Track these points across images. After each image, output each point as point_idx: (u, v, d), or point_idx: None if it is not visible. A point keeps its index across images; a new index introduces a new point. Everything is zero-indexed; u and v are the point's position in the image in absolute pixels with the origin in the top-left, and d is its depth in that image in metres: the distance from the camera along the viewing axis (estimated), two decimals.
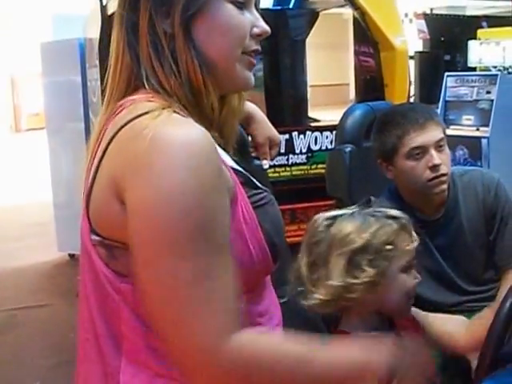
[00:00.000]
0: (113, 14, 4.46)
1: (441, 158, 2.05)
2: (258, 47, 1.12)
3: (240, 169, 1.15)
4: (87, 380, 1.13)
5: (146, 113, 1.00)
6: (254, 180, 1.16)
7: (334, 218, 1.54)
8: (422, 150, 2.04)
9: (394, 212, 1.57)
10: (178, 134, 0.97)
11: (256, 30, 1.11)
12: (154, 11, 1.05)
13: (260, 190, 1.15)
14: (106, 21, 4.56)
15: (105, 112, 1.11)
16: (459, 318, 1.79)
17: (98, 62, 4.74)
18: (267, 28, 1.12)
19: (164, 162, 0.95)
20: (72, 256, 5.97)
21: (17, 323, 4.62)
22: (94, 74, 4.99)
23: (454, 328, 1.72)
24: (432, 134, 2.04)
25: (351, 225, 1.51)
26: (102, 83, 4.47)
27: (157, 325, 1.00)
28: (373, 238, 1.49)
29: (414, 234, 1.55)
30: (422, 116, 2.05)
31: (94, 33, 4.82)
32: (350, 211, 1.56)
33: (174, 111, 1.02)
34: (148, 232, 0.96)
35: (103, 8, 4.58)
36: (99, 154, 1.04)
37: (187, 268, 0.96)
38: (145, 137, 0.95)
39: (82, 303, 1.11)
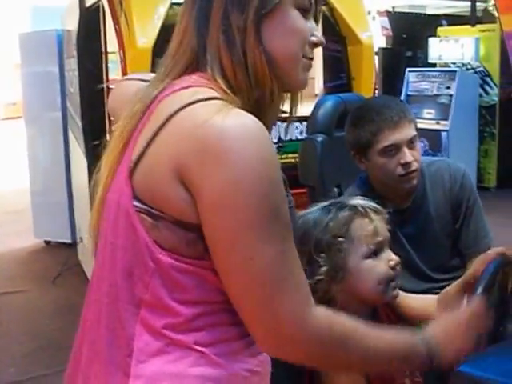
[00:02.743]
0: (91, 6, 4.41)
1: (413, 155, 2.05)
2: (313, 55, 1.17)
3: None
4: (96, 346, 1.09)
5: (207, 99, 1.01)
6: (287, 182, 1.17)
7: (300, 216, 1.52)
8: (394, 148, 2.04)
9: (353, 200, 1.54)
10: (244, 124, 1.00)
11: (314, 39, 1.15)
12: (231, 5, 1.08)
13: (289, 193, 1.16)
14: (84, 13, 4.48)
15: (157, 87, 1.11)
16: (432, 297, 1.74)
17: (75, 53, 4.68)
18: (323, 39, 1.17)
19: (238, 151, 0.97)
20: (48, 243, 5.93)
21: None
22: (71, 64, 4.94)
23: (430, 306, 1.68)
24: (405, 132, 2.04)
25: (308, 222, 1.49)
26: (80, 74, 4.38)
27: (244, 306, 1.03)
28: (323, 233, 1.46)
29: (371, 214, 1.48)
30: (397, 114, 2.04)
31: (72, 24, 4.76)
32: (314, 207, 1.53)
33: (234, 106, 1.03)
34: (230, 219, 0.98)
35: (81, 0, 4.50)
36: (152, 127, 1.03)
37: (269, 250, 1.00)
38: (214, 126, 0.97)
39: (103, 267, 1.10)
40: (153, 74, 1.26)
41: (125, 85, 1.41)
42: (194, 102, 1.01)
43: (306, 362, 1.13)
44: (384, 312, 1.58)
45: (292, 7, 1.12)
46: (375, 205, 1.53)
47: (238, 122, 0.99)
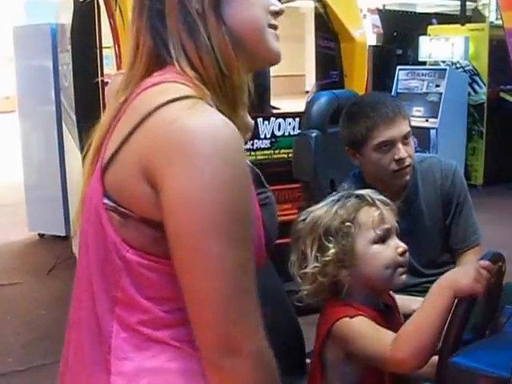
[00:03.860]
0: (84, 0, 4.36)
1: (406, 151, 2.06)
2: (277, 23, 1.13)
3: (252, 166, 1.12)
4: (79, 344, 1.08)
5: (178, 99, 0.98)
6: (263, 179, 1.14)
7: (308, 212, 1.54)
8: (389, 143, 2.05)
9: (360, 191, 1.57)
10: (214, 125, 0.96)
11: (274, 8, 1.12)
12: None
13: (266, 189, 1.14)
14: (79, 6, 4.46)
15: (123, 91, 1.09)
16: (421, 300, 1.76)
17: (69, 47, 4.65)
18: (283, 6, 1.14)
19: (205, 154, 0.93)
20: (42, 235, 5.90)
21: None
22: (65, 58, 4.91)
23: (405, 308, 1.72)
24: (400, 128, 2.05)
25: (319, 212, 1.52)
26: (74, 68, 4.36)
27: (196, 309, 0.98)
28: (333, 219, 1.49)
29: (378, 204, 1.51)
30: (392, 110, 2.05)
31: (66, 18, 4.74)
32: (322, 203, 1.56)
33: (205, 102, 1.00)
34: (194, 220, 0.94)
35: None
36: (125, 127, 1.01)
37: (233, 256, 0.96)
38: (180, 126, 0.94)
39: (81, 261, 1.09)
40: None
41: (113, 83, 1.40)
42: (165, 103, 0.98)
43: (242, 379, 1.01)
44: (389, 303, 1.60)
45: None
46: (382, 197, 1.55)
47: (207, 122, 0.96)
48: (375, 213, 1.49)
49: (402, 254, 1.50)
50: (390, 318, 1.54)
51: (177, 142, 0.94)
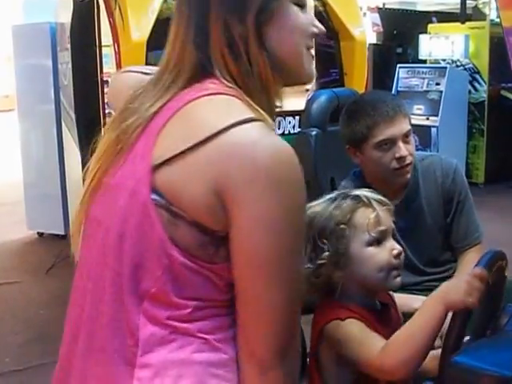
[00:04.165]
0: None
1: (407, 149, 2.05)
2: (313, 44, 1.19)
3: None
4: (96, 338, 1.09)
5: (248, 121, 1.03)
6: None
7: (308, 208, 1.51)
8: (390, 142, 2.04)
9: (358, 191, 1.55)
10: (286, 149, 1.03)
11: (314, 30, 1.17)
12: (229, 16, 1.09)
13: None
14: (78, 5, 4.46)
15: (161, 97, 1.12)
16: (422, 299, 1.75)
17: (69, 46, 4.65)
18: (323, 28, 1.19)
19: (288, 177, 1.02)
20: (41, 234, 5.89)
21: None
22: (65, 57, 4.92)
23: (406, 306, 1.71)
24: (400, 126, 2.04)
25: (314, 211, 1.51)
26: (73, 66, 4.36)
27: (260, 317, 1.05)
28: (328, 220, 1.48)
29: (375, 204, 1.49)
30: (392, 108, 2.04)
31: (65, 17, 4.73)
32: (321, 199, 1.55)
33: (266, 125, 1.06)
34: (273, 239, 1.02)
35: None
36: (186, 136, 1.04)
37: (296, 268, 1.07)
38: (260, 150, 1.01)
39: (105, 254, 1.09)
40: (154, 68, 1.27)
41: (125, 77, 1.40)
42: (237, 124, 1.03)
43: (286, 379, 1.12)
44: (390, 302, 1.59)
45: (290, 4, 1.13)
46: (380, 196, 1.54)
47: (281, 147, 1.03)
48: (371, 215, 1.47)
49: (397, 256, 1.48)
50: (387, 317, 1.53)
51: (260, 164, 1.00)
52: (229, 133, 1.02)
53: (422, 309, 1.38)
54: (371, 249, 1.47)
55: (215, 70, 1.10)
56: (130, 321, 1.05)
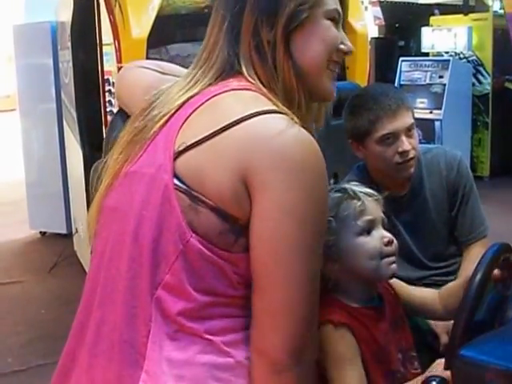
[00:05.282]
0: None
1: (410, 143, 2.03)
2: (339, 61, 1.23)
3: None
4: (107, 324, 1.09)
5: (274, 111, 1.07)
6: None
7: None
8: (392, 136, 2.02)
9: (345, 184, 1.57)
10: (311, 141, 1.06)
11: (343, 47, 1.21)
12: (260, 21, 1.14)
13: None
14: (78, 4, 4.46)
15: (189, 89, 1.16)
16: (431, 290, 1.75)
17: (70, 45, 4.66)
18: (352, 47, 1.23)
19: (313, 166, 1.04)
20: (44, 233, 5.91)
21: None
22: (66, 55, 4.93)
23: (430, 298, 1.68)
24: (403, 120, 2.02)
25: None
26: (74, 65, 4.35)
27: (276, 315, 1.05)
28: None
29: (361, 195, 1.50)
30: (395, 102, 2.02)
31: (66, 16, 4.74)
32: None
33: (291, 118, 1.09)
34: (296, 225, 1.03)
35: None
36: (210, 123, 1.07)
37: (316, 264, 1.08)
38: (292, 138, 1.04)
39: (122, 237, 1.10)
40: (165, 63, 1.32)
41: (139, 73, 1.41)
42: (261, 113, 1.06)
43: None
44: (387, 295, 1.58)
45: (323, 18, 1.18)
46: (367, 189, 1.54)
47: (308, 137, 1.06)
48: (356, 204, 1.48)
49: (388, 243, 1.48)
50: (384, 312, 1.53)
51: (287, 152, 1.03)
52: (254, 119, 1.05)
53: None
54: (361, 238, 1.47)
55: (243, 69, 1.14)
56: (144, 310, 1.05)
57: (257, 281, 1.05)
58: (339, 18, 1.21)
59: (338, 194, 1.50)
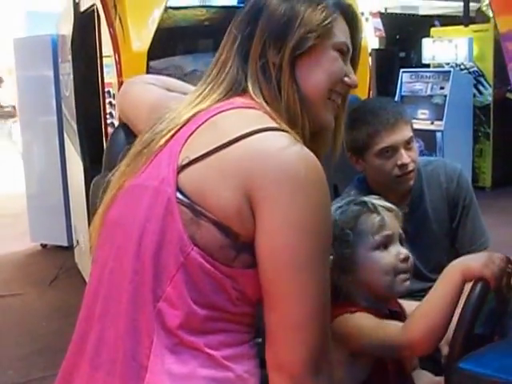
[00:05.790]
0: (85, 10, 4.40)
1: (409, 156, 2.04)
2: (342, 93, 1.25)
3: None
4: (109, 337, 1.10)
5: (276, 129, 1.09)
6: None
7: None
8: (391, 149, 2.03)
9: (365, 198, 1.56)
10: (312, 157, 1.08)
11: (348, 80, 1.24)
12: (268, 44, 1.17)
13: None
14: (79, 17, 4.49)
15: (197, 103, 1.19)
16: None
17: (70, 58, 4.68)
18: (356, 81, 1.25)
19: (316, 182, 1.07)
20: (44, 246, 5.91)
21: None
22: (66, 68, 4.94)
23: None
24: (402, 134, 2.03)
25: None
26: (75, 77, 4.37)
27: (284, 323, 1.06)
28: (333, 226, 1.47)
29: (380, 210, 1.51)
30: (393, 116, 2.04)
31: (67, 29, 4.77)
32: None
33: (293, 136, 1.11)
34: (304, 240, 1.05)
35: (76, 5, 4.51)
36: (212, 139, 1.09)
37: (326, 276, 1.09)
38: (295, 154, 1.06)
39: (123, 249, 1.11)
40: (169, 79, 1.37)
41: (146, 90, 1.43)
42: (263, 130, 1.08)
43: None
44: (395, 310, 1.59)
45: (331, 49, 1.20)
46: (387, 203, 1.55)
47: (310, 154, 1.08)
48: (375, 219, 1.49)
49: (404, 260, 1.49)
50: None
51: (286, 167, 1.05)
52: (257, 136, 1.07)
53: (441, 278, 1.40)
54: (377, 253, 1.48)
55: (249, 88, 1.17)
56: (147, 322, 1.06)
57: (268, 296, 1.06)
58: (347, 51, 1.23)
59: (358, 207, 1.51)
